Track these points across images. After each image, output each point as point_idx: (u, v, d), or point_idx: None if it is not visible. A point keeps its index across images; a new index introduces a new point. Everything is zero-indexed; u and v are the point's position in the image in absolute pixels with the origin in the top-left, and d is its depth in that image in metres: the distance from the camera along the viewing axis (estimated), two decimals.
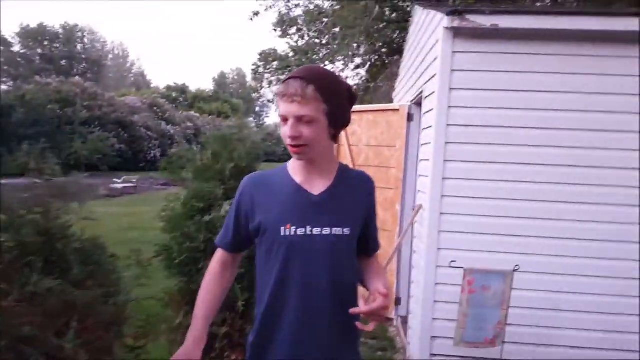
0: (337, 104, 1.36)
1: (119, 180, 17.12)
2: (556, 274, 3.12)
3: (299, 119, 1.32)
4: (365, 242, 1.56)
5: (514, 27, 3.01)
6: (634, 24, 2.88)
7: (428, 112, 3.54)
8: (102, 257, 2.10)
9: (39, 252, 1.90)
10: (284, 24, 9.65)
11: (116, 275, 2.20)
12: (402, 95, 5.48)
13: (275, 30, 9.63)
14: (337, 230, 1.40)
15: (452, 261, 2.96)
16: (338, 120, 1.39)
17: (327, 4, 9.61)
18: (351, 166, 4.85)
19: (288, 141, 1.35)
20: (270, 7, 9.42)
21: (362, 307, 1.28)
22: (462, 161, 3.17)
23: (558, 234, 3.11)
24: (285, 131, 1.34)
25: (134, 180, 18.19)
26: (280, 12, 9.52)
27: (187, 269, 2.48)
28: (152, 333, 2.51)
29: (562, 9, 6.21)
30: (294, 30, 9.82)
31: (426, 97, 3.65)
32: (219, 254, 1.54)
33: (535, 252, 3.13)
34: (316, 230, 1.39)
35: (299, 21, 9.65)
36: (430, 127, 3.35)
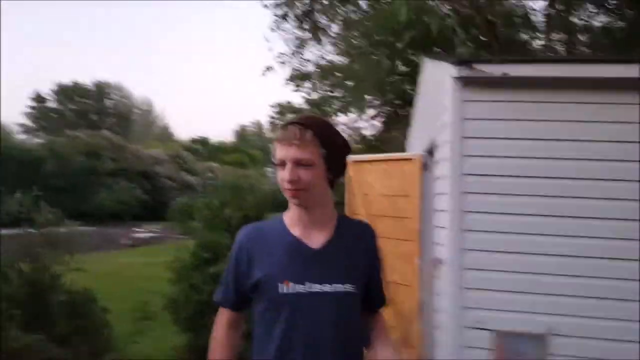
0: (334, 149, 1.35)
1: (140, 230, 17.28)
2: (593, 337, 2.84)
3: (297, 163, 1.30)
4: (369, 296, 1.47)
5: (525, 76, 2.98)
6: None
7: (441, 161, 3.48)
8: (92, 310, 2.04)
9: (25, 305, 1.86)
10: (298, 78, 9.93)
11: (107, 331, 2.12)
12: (415, 145, 5.45)
13: (288, 84, 9.90)
14: (339, 287, 1.33)
15: (478, 322, 2.75)
16: (335, 165, 1.37)
17: (339, 59, 9.89)
18: (365, 216, 4.82)
19: (286, 185, 1.32)
20: (284, 62, 9.76)
21: None
22: (482, 212, 3.02)
23: (594, 293, 2.86)
24: (284, 175, 1.31)
25: (156, 230, 18.36)
26: (291, 66, 9.84)
27: (194, 323, 2.40)
28: None
29: (573, 57, 6.23)
30: (308, 83, 10.07)
31: (439, 146, 3.61)
32: (224, 315, 1.46)
33: (571, 313, 2.87)
34: (316, 287, 1.32)
35: (312, 76, 9.91)
36: (443, 176, 3.29)
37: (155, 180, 27.09)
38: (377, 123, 11.67)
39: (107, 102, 49.55)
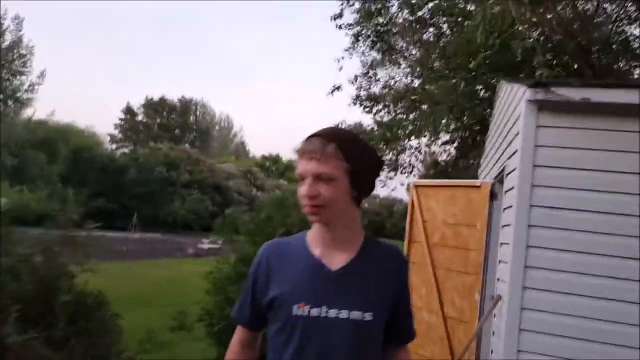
0: (359, 163, 1.25)
1: (206, 240, 17.91)
2: None
3: (317, 177, 1.22)
4: (395, 330, 1.35)
5: (607, 102, 2.69)
6: None
7: (509, 190, 3.22)
8: (98, 315, 2.02)
9: (30, 303, 1.88)
10: (369, 99, 9.88)
11: (112, 338, 2.10)
12: (487, 172, 5.16)
13: (355, 104, 9.87)
14: (356, 315, 1.22)
15: None
16: (361, 180, 1.27)
17: (416, 82, 9.73)
18: (424, 245, 4.59)
19: (305, 201, 1.24)
20: (353, 82, 9.76)
21: None
22: (547, 248, 2.77)
23: None
24: (302, 190, 1.24)
25: (220, 242, 18.97)
26: (362, 87, 9.82)
27: (225, 337, 2.34)
28: None
29: None
30: (379, 105, 9.98)
31: (508, 174, 3.35)
32: (238, 333, 1.41)
33: None
34: (332, 312, 1.22)
35: (385, 98, 9.82)
36: (510, 206, 3.03)
37: (226, 194, 28.15)
38: (452, 149, 11.31)
39: (191, 118, 52.62)
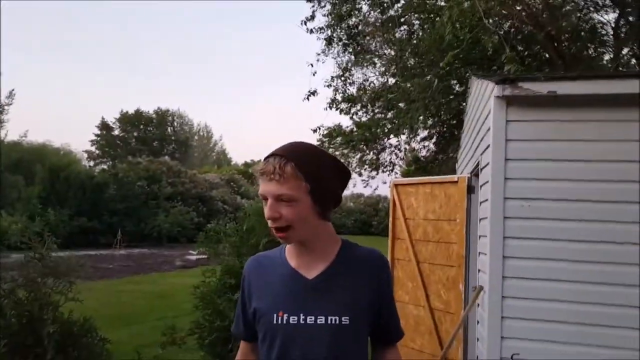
0: (319, 180, 1.25)
1: (194, 252, 17.77)
2: None
3: (278, 198, 1.23)
4: (380, 330, 1.38)
5: (574, 94, 2.80)
6: None
7: (484, 184, 3.32)
8: (85, 341, 2.02)
9: (16, 336, 1.86)
10: (346, 100, 9.93)
11: None
12: (464, 166, 5.27)
13: (331, 107, 9.91)
14: (334, 319, 1.26)
15: (515, 354, 2.58)
16: (323, 197, 1.27)
17: (392, 80, 9.83)
18: (408, 241, 4.67)
19: (269, 223, 1.26)
20: (329, 85, 9.79)
21: None
22: (524, 238, 2.87)
23: None
24: (265, 212, 1.27)
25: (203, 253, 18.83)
26: (338, 90, 9.85)
27: (217, 349, 2.37)
28: None
29: (626, 72, 5.82)
30: (356, 107, 10.05)
31: (482, 168, 3.45)
32: (241, 345, 1.48)
33: (616, 345, 2.64)
34: (310, 319, 1.26)
35: (362, 98, 9.89)
36: (486, 200, 3.12)
37: (210, 204, 27.94)
38: (431, 144, 11.46)
39: (169, 130, 52.07)
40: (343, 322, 1.26)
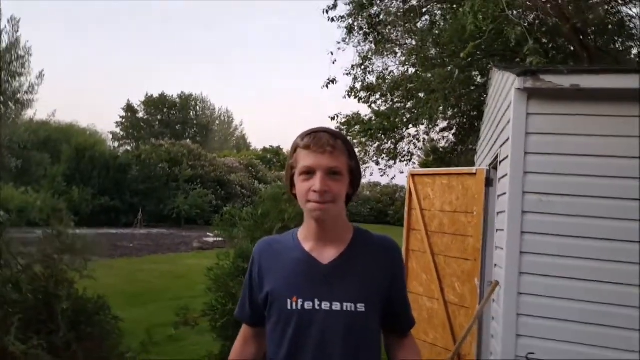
0: (357, 162, 1.33)
1: (211, 234, 18.00)
2: None
3: (329, 171, 1.24)
4: (393, 319, 1.38)
5: (597, 87, 2.72)
6: None
7: (503, 177, 3.27)
8: (98, 319, 2.07)
9: (31, 311, 1.92)
10: (366, 89, 9.87)
11: (113, 342, 2.15)
12: (483, 158, 5.20)
13: (350, 96, 9.85)
14: (349, 306, 1.25)
15: (530, 353, 2.54)
16: (357, 179, 1.34)
17: (412, 70, 9.72)
18: (423, 233, 4.65)
19: (314, 197, 1.24)
20: (348, 74, 9.73)
21: None
22: (542, 233, 2.82)
23: None
24: (313, 185, 1.24)
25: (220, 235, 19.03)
26: (357, 78, 9.79)
27: (229, 332, 2.41)
28: None
29: None
30: (375, 95, 9.97)
31: (501, 161, 3.40)
32: (242, 328, 1.46)
33: (635, 349, 2.58)
34: (325, 305, 1.25)
35: (382, 87, 9.80)
36: (504, 193, 3.08)
37: (229, 187, 28.17)
38: (450, 135, 11.33)
39: (191, 114, 52.53)
40: (358, 309, 1.26)
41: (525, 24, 6.69)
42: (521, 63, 6.38)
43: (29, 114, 30.17)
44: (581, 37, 7.02)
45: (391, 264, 1.36)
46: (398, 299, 1.38)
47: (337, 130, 1.43)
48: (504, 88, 3.47)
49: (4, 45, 28.14)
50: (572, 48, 7.72)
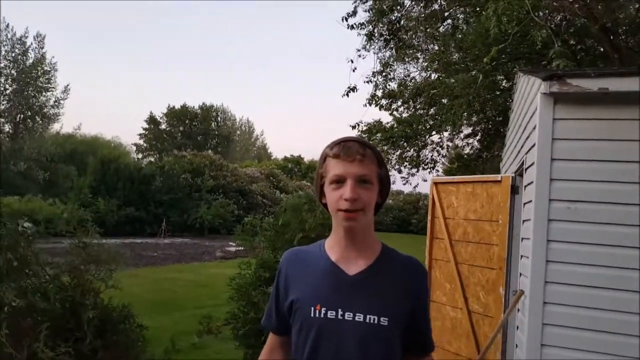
0: (387, 171, 1.33)
1: (233, 244, 18.13)
2: None
3: (359, 179, 1.24)
4: (415, 339, 1.35)
5: (626, 90, 2.64)
6: None
7: (529, 184, 3.20)
8: (123, 327, 2.10)
9: (58, 320, 1.96)
10: (387, 96, 9.80)
11: (137, 349, 2.18)
12: (508, 165, 5.10)
13: (371, 104, 9.79)
14: (372, 318, 1.24)
15: None
16: (386, 188, 1.34)
17: (434, 76, 9.62)
18: (447, 241, 4.57)
19: (344, 205, 1.24)
20: (369, 81, 9.66)
21: None
22: (568, 242, 2.74)
23: None
24: (344, 193, 1.23)
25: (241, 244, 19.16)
26: (378, 85, 9.72)
27: (251, 341, 2.41)
28: None
29: None
30: (397, 103, 9.90)
31: (527, 168, 3.33)
32: (269, 337, 1.47)
33: None
34: (348, 315, 1.24)
35: (403, 94, 9.72)
36: (530, 201, 3.01)
37: (250, 197, 28.38)
38: (475, 142, 11.16)
39: (212, 125, 53.27)
40: (382, 323, 1.24)
41: (552, 26, 6.57)
42: (548, 66, 6.25)
43: (55, 127, 31.16)
44: (611, 38, 6.83)
45: (417, 285, 1.34)
46: (422, 321, 1.36)
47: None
48: (530, 93, 3.41)
49: (30, 61, 29.23)
50: (601, 49, 7.52)
